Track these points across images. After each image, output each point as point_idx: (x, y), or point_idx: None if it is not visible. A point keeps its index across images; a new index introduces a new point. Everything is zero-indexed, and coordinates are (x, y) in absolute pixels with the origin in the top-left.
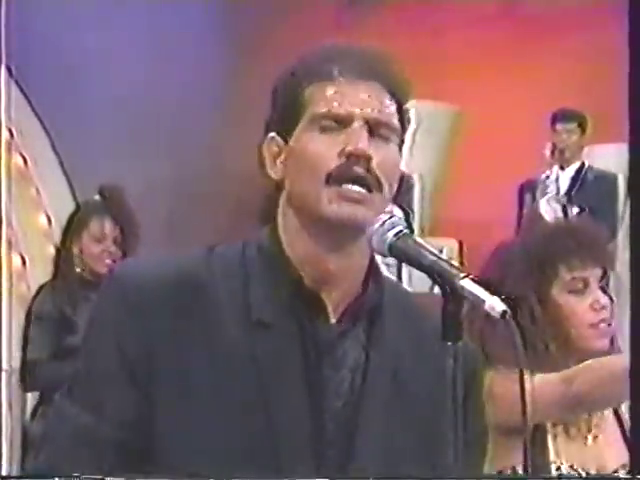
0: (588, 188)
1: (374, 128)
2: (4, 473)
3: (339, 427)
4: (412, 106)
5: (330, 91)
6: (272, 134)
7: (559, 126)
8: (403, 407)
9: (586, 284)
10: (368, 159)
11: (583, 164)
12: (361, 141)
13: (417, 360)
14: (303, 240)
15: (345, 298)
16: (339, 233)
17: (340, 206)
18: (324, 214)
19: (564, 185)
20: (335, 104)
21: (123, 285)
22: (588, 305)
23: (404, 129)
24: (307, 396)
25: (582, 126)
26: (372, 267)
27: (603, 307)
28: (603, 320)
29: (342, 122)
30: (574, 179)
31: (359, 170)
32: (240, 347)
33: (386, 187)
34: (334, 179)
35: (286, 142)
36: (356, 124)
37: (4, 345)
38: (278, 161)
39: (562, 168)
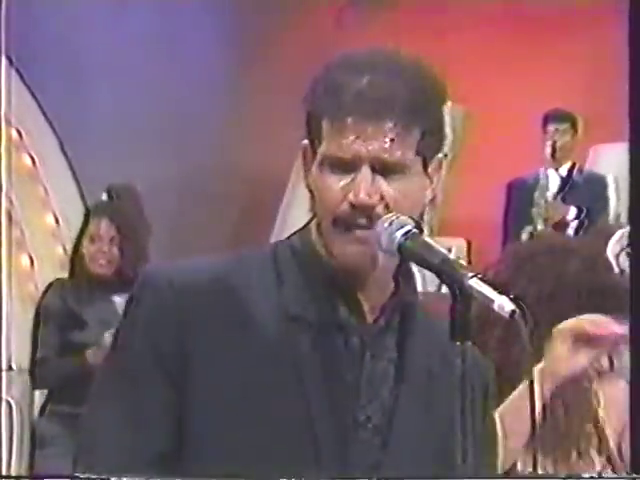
0: (578, 189)
1: (384, 168)
2: (4, 472)
3: (382, 417)
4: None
5: (339, 132)
6: (305, 142)
7: (552, 126)
8: (435, 401)
9: None
10: (372, 208)
11: (574, 165)
12: (364, 191)
13: (443, 358)
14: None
15: (380, 296)
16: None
17: (348, 248)
18: (334, 254)
19: (555, 185)
20: (343, 146)
21: (156, 286)
22: None
23: (431, 152)
24: (349, 391)
25: (574, 127)
26: (402, 264)
27: None
28: None
29: (349, 166)
30: (565, 180)
31: (362, 221)
32: (278, 345)
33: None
34: (340, 223)
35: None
36: (363, 169)
37: (3, 345)
38: (312, 169)
39: (556, 169)
